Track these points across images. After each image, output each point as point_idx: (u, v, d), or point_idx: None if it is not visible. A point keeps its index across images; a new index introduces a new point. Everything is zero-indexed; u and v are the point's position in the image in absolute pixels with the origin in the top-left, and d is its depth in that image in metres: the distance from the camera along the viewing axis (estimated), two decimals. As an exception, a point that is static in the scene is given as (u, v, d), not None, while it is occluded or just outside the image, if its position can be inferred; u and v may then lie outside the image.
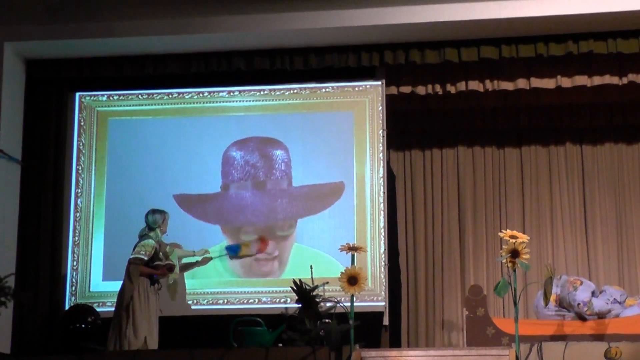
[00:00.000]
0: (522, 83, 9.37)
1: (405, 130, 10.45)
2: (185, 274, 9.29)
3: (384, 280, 9.13)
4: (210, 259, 9.25)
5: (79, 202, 9.59)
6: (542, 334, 8.17)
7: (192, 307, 9.26)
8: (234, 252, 9.20)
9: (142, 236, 8.53)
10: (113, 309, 8.75)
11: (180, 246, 9.05)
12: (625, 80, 9.24)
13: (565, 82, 9.32)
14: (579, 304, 8.60)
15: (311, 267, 8.17)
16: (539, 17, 8.71)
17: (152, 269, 8.40)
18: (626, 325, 8.33)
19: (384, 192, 9.30)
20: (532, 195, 10.36)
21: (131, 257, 8.40)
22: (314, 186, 9.43)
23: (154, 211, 8.63)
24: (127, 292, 8.25)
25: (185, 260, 9.16)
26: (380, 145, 9.40)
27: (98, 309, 8.90)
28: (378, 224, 9.25)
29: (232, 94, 9.71)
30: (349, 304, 7.01)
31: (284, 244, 9.39)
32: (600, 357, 7.30)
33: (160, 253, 8.51)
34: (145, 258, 8.36)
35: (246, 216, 9.44)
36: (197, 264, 9.24)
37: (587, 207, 10.28)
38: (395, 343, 9.42)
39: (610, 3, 8.62)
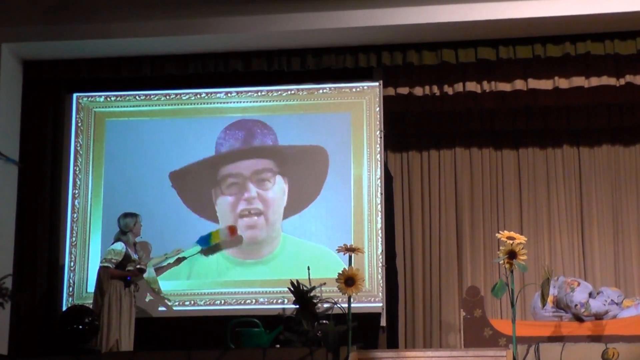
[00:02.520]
0: (519, 84, 9.37)
1: (403, 131, 10.45)
2: (180, 274, 9.28)
3: (381, 281, 9.13)
4: (184, 259, 9.23)
5: (76, 203, 9.58)
6: (539, 335, 8.17)
7: (190, 308, 9.25)
8: (205, 241, 9.16)
9: (115, 240, 8.68)
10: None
11: (149, 247, 9.09)
12: (622, 82, 9.25)
13: (563, 83, 9.32)
14: (576, 305, 8.60)
15: (308, 269, 8.18)
16: (536, 18, 8.72)
17: (122, 272, 8.51)
18: (623, 327, 8.33)
19: (381, 193, 9.30)
20: (530, 197, 10.37)
21: (100, 263, 8.59)
22: (298, 146, 9.53)
23: (125, 215, 8.77)
24: (98, 300, 8.40)
25: (156, 265, 9.20)
26: (378, 146, 9.40)
27: (95, 310, 8.90)
28: (375, 225, 9.25)
29: (229, 95, 9.71)
30: (346, 305, 7.01)
31: (266, 199, 9.42)
32: (598, 359, 7.31)
33: (134, 255, 8.61)
34: (112, 266, 8.49)
35: (233, 164, 9.54)
36: (168, 266, 9.24)
37: (584, 209, 10.28)
38: (393, 344, 9.42)
39: (607, 4, 8.62)
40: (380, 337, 9.06)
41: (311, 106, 9.62)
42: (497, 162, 10.51)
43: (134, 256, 8.63)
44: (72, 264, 9.46)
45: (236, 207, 9.43)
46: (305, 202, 9.42)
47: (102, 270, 8.48)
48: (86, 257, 9.44)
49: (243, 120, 9.64)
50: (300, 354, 7.19)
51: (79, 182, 9.63)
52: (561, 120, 10.25)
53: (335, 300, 7.29)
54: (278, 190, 9.46)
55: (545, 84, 9.36)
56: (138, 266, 8.63)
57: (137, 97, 9.81)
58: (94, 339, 8.22)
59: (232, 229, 9.24)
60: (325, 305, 7.90)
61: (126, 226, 8.69)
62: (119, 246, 8.57)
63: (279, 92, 9.65)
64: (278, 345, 7.94)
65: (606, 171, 10.34)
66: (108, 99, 9.83)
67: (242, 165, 9.54)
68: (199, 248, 9.23)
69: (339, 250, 7.10)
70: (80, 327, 8.55)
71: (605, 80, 9.26)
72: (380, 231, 9.24)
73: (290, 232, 9.39)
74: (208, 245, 9.17)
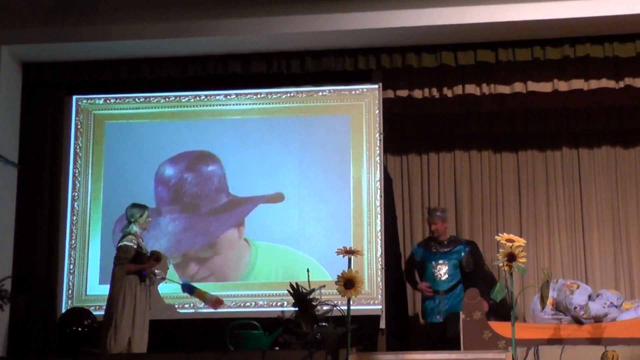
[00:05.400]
0: (518, 87, 9.37)
1: (402, 133, 10.46)
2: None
3: (380, 283, 9.13)
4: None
5: (75, 205, 9.58)
6: (538, 338, 8.16)
7: (189, 310, 9.24)
8: (188, 290, 8.82)
9: (123, 233, 8.46)
10: (110, 312, 8.92)
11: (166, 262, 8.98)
12: (621, 84, 9.25)
13: (562, 86, 9.32)
14: (575, 308, 8.60)
15: (308, 271, 8.17)
16: (535, 20, 8.72)
17: (138, 265, 8.31)
18: (623, 329, 8.32)
19: (380, 196, 9.30)
20: (529, 199, 10.38)
21: (115, 258, 8.37)
22: (252, 197, 9.47)
23: (133, 205, 8.58)
24: (114, 297, 8.21)
25: None
26: (377, 148, 9.40)
27: (95, 312, 8.88)
28: (375, 227, 9.25)
29: (228, 97, 9.71)
30: (345, 308, 7.00)
31: (209, 263, 9.40)
32: (597, 361, 7.31)
33: (144, 247, 8.45)
34: (129, 256, 8.27)
35: (175, 244, 9.44)
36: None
37: (583, 211, 10.29)
38: (395, 346, 9.37)
39: (607, 7, 8.62)
40: (380, 340, 9.06)
41: (311, 108, 9.62)
42: (497, 165, 10.52)
43: (144, 248, 8.44)
44: (71, 266, 9.45)
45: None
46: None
47: (118, 268, 8.26)
48: (85, 260, 9.44)
49: (185, 157, 9.57)
50: (300, 356, 7.18)
51: (78, 185, 9.63)
52: (560, 123, 10.26)
53: (335, 302, 7.28)
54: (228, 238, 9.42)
55: (544, 87, 9.36)
56: (151, 251, 8.42)
57: (136, 99, 9.81)
58: (106, 338, 8.08)
59: (218, 302, 8.83)
60: (325, 307, 7.90)
61: (132, 216, 8.46)
62: (129, 242, 8.33)
63: (279, 95, 9.66)
64: (277, 348, 7.93)
65: (606, 173, 10.35)
66: (107, 101, 9.83)
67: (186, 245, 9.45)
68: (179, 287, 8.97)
69: (338, 253, 7.10)
70: (80, 329, 8.56)
71: (605, 83, 9.26)
72: (379, 233, 9.23)
73: (283, 239, 9.40)
74: (188, 294, 8.89)
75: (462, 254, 9.26)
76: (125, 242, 8.36)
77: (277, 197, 9.43)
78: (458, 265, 9.23)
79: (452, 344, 8.69)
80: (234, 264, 9.38)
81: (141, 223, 8.51)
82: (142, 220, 8.51)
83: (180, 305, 9.24)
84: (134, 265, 8.29)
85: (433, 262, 9.25)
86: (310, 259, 9.17)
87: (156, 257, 8.45)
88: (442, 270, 9.22)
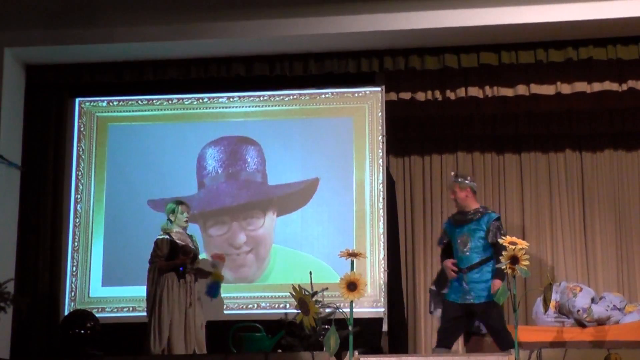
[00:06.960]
0: (521, 89, 9.36)
1: (405, 136, 10.46)
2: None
3: (383, 286, 9.13)
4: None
5: (78, 207, 9.58)
6: (541, 341, 8.17)
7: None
8: (215, 290, 8.38)
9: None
10: (112, 314, 8.95)
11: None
12: (625, 87, 9.24)
13: (565, 89, 9.32)
14: (578, 311, 8.60)
15: (310, 273, 8.18)
16: (538, 23, 8.71)
17: (170, 262, 8.06)
18: (626, 332, 8.33)
19: (383, 198, 9.30)
20: (532, 202, 10.37)
21: (148, 262, 8.19)
22: (289, 184, 9.44)
23: (169, 201, 8.42)
24: (149, 297, 8.07)
25: None
26: (380, 151, 9.40)
27: (97, 315, 8.88)
28: (377, 229, 9.25)
29: (231, 99, 9.71)
30: (348, 310, 7.01)
31: (255, 237, 9.35)
32: (600, 364, 7.30)
33: (182, 243, 8.18)
34: (160, 254, 8.07)
35: (218, 201, 9.42)
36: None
37: (586, 214, 10.28)
38: (401, 349, 9.37)
39: (610, 9, 8.62)
40: (383, 342, 9.05)
41: (313, 111, 9.63)
42: (500, 167, 10.52)
43: (186, 244, 8.19)
44: (74, 268, 9.45)
45: (222, 248, 9.21)
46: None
47: (150, 267, 8.07)
48: (88, 262, 9.44)
49: (227, 138, 9.59)
50: (302, 358, 7.18)
51: (81, 187, 9.63)
52: (563, 125, 10.26)
53: (337, 305, 7.28)
54: (268, 224, 9.39)
55: (547, 89, 9.35)
56: (183, 244, 8.13)
57: (139, 101, 9.82)
58: (148, 341, 7.90)
59: (220, 257, 8.56)
60: (328, 310, 7.91)
61: (167, 213, 8.26)
62: (162, 237, 8.14)
63: (281, 97, 9.66)
64: (280, 350, 7.94)
65: (608, 176, 10.35)
66: (110, 103, 9.84)
67: (228, 206, 9.42)
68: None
69: (340, 255, 7.10)
70: (82, 331, 8.57)
71: (608, 86, 9.26)
72: (382, 236, 9.23)
73: (286, 242, 9.39)
74: (218, 291, 8.45)
75: (489, 224, 7.95)
76: (155, 240, 8.16)
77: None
78: (485, 239, 7.93)
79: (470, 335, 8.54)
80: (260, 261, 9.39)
81: (175, 220, 8.24)
82: (175, 217, 8.24)
83: (226, 306, 9.17)
84: (164, 263, 8.07)
85: (457, 237, 8.05)
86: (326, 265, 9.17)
87: (184, 251, 8.13)
88: (466, 245, 7.96)
